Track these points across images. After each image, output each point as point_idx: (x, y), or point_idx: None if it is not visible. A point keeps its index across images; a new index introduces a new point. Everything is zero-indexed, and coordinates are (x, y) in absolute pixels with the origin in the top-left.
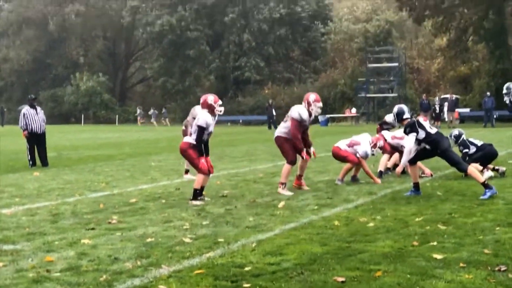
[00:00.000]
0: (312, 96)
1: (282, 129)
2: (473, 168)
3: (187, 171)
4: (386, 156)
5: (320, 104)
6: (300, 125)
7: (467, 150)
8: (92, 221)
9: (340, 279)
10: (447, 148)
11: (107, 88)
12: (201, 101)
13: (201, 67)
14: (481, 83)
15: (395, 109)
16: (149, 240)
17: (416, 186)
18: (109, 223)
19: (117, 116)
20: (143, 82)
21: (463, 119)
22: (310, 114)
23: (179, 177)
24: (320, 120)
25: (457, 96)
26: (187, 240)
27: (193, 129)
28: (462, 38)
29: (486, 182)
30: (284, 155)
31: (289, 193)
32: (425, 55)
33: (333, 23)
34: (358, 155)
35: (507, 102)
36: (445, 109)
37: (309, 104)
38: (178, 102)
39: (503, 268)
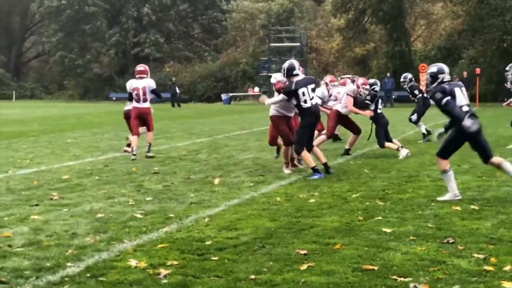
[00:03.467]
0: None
1: (276, 107)
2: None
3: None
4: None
5: (367, 87)
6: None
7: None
8: (33, 197)
9: (302, 251)
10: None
11: (1, 63)
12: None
13: (100, 42)
14: (379, 64)
15: (286, 64)
16: (99, 215)
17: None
18: (51, 199)
19: (13, 92)
20: (40, 58)
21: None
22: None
23: (102, 154)
24: (223, 98)
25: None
26: (138, 215)
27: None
28: (360, 19)
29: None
30: (281, 136)
31: (288, 171)
32: (323, 35)
33: (235, 1)
34: None
35: (406, 89)
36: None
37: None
38: (77, 79)
39: (450, 240)
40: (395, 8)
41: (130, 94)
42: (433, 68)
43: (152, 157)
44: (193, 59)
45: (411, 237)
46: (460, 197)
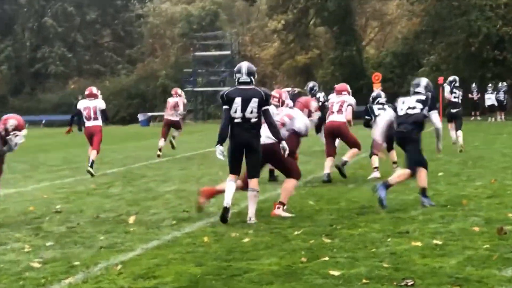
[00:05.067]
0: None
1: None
2: None
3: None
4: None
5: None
6: None
7: None
8: None
9: None
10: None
11: None
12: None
13: None
14: (324, 73)
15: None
16: None
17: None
18: None
19: None
20: None
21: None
22: None
23: None
24: (140, 119)
25: (299, 90)
26: (35, 265)
27: None
28: (302, 20)
29: None
30: (289, 167)
31: (289, 214)
32: (258, 41)
33: (152, 3)
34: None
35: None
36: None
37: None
38: None
39: (409, 282)
40: (342, 8)
41: (78, 113)
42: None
43: (92, 174)
44: (103, 73)
45: (364, 280)
46: None
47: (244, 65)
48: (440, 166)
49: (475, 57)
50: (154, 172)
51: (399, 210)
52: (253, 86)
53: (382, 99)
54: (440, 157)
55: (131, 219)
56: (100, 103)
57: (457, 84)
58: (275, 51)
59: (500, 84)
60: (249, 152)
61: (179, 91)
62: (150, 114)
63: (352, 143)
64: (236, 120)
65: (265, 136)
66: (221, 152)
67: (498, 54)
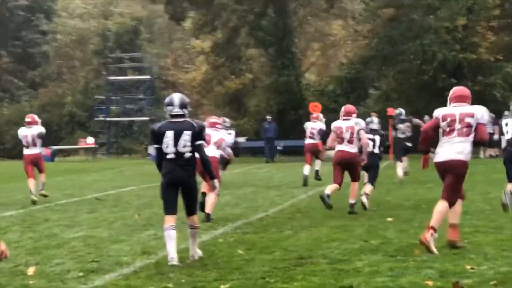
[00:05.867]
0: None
1: None
2: None
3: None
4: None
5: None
6: None
7: None
8: None
9: None
10: None
11: None
12: None
13: None
14: (258, 101)
15: None
16: None
17: None
18: None
19: None
20: None
21: (236, 152)
22: None
23: None
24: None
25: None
26: None
27: None
28: (233, 41)
29: None
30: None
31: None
32: (182, 63)
33: (59, 17)
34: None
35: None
36: None
37: None
38: None
39: None
40: (279, 27)
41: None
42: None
43: (46, 196)
44: (1, 98)
45: None
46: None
47: (176, 97)
48: (389, 211)
49: (429, 86)
50: (59, 215)
51: (342, 260)
52: (186, 119)
53: (375, 125)
54: (389, 200)
55: (31, 271)
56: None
57: (403, 117)
58: (202, 76)
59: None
60: (185, 190)
61: (36, 117)
62: (54, 147)
63: (357, 176)
64: (168, 156)
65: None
66: None
67: (456, 83)
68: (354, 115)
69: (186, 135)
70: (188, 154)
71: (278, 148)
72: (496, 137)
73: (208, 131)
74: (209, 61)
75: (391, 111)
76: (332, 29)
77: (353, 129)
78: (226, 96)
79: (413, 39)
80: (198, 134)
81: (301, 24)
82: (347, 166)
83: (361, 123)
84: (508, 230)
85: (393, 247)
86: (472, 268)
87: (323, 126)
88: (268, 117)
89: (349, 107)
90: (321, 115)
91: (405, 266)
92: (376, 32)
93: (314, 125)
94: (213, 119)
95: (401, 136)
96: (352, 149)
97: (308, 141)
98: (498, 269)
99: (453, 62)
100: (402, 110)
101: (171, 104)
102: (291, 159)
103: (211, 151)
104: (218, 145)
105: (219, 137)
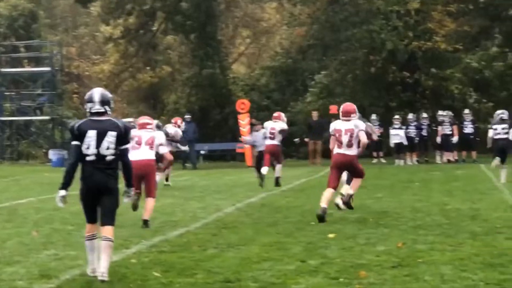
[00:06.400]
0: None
1: None
2: None
3: None
4: None
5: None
6: None
7: None
8: None
9: None
10: None
11: None
12: None
13: None
14: (177, 98)
15: None
16: None
17: None
18: None
19: None
20: None
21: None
22: None
23: None
24: None
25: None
26: None
27: None
28: (147, 26)
29: None
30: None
31: None
32: (89, 53)
33: None
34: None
35: None
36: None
37: None
38: None
39: None
40: (202, 10)
41: None
42: None
43: None
44: None
45: None
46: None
47: (97, 92)
48: (331, 225)
49: (378, 79)
50: None
51: (275, 284)
52: (109, 117)
53: None
54: (330, 213)
55: None
56: None
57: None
58: (111, 67)
59: (410, 116)
60: (104, 196)
61: None
62: None
63: (358, 173)
64: (88, 158)
65: None
66: (62, 198)
67: (408, 76)
68: (354, 115)
69: (111, 137)
70: (110, 157)
71: (202, 152)
72: (455, 139)
73: (138, 132)
74: (119, 49)
75: (334, 109)
76: (265, 13)
77: (353, 132)
78: (139, 91)
79: (359, 25)
80: (124, 137)
81: (228, 7)
82: (346, 168)
83: (361, 125)
84: (468, 247)
85: (335, 268)
86: None
87: (285, 126)
88: (187, 116)
89: (348, 106)
90: (283, 115)
91: None
92: (316, 17)
93: (274, 125)
94: (144, 119)
95: None
96: (351, 152)
97: (268, 141)
98: None
99: (404, 52)
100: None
101: (91, 100)
102: (217, 165)
103: (145, 153)
104: (151, 145)
105: (150, 135)
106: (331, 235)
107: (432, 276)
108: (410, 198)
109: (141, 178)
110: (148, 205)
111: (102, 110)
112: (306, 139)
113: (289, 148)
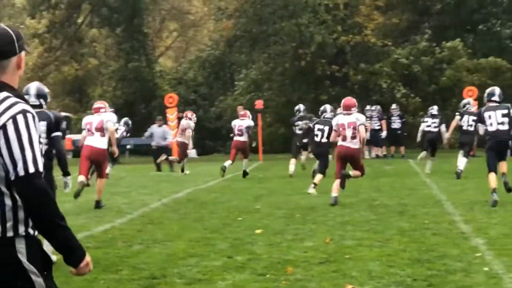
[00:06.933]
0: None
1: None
2: None
3: None
4: None
5: None
6: None
7: None
8: None
9: None
10: None
11: None
12: None
13: None
14: (103, 91)
15: None
16: None
17: None
18: None
19: None
20: None
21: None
22: None
23: None
24: None
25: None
26: None
27: None
28: (72, 19)
29: None
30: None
31: None
32: None
33: None
34: None
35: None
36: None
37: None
38: None
39: None
40: (128, 3)
41: None
42: None
43: None
44: None
45: None
46: None
47: (33, 86)
48: (258, 221)
49: (307, 73)
50: None
51: (202, 280)
52: (43, 110)
53: (329, 114)
54: (258, 208)
55: None
56: None
57: (301, 114)
58: (35, 60)
59: (338, 111)
60: None
61: None
62: None
63: (358, 168)
64: None
65: None
66: None
67: (337, 70)
68: (354, 108)
69: (41, 126)
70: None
71: (128, 147)
72: (384, 134)
73: (91, 118)
74: (43, 42)
75: (259, 104)
76: (192, 6)
77: (355, 125)
78: (65, 84)
79: (288, 18)
80: (55, 126)
81: (155, 0)
82: (350, 160)
83: (362, 118)
84: (396, 243)
85: (262, 264)
86: None
87: (251, 123)
88: (111, 110)
89: (349, 100)
90: (248, 112)
91: (276, 286)
92: (244, 10)
93: (241, 123)
94: (97, 104)
95: (299, 132)
96: (355, 145)
97: (237, 138)
98: None
99: (333, 46)
100: (302, 106)
101: (26, 93)
102: (143, 160)
103: (97, 141)
104: (101, 131)
105: (99, 120)
106: (258, 231)
107: (359, 272)
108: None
109: (92, 163)
110: (99, 186)
111: (37, 103)
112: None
113: (216, 143)
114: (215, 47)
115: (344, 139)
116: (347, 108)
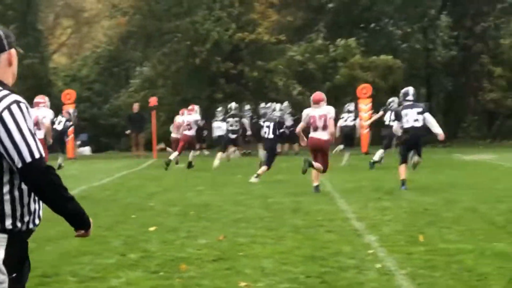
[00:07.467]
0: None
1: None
2: None
3: None
4: None
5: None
6: None
7: None
8: None
9: None
10: None
11: None
12: None
13: None
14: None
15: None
16: None
17: None
18: None
19: None
20: None
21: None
22: None
23: None
24: None
25: None
26: None
27: None
28: None
29: None
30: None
31: None
32: None
33: None
34: None
35: None
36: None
37: None
38: None
39: None
40: (23, 0)
41: None
42: None
43: None
44: None
45: None
46: None
47: None
48: (152, 218)
49: (202, 70)
50: None
51: (95, 278)
52: None
53: (278, 112)
54: (152, 206)
55: None
56: None
57: (233, 112)
58: None
59: (247, 107)
60: None
61: None
62: None
63: (324, 163)
64: None
65: None
66: None
67: (232, 67)
68: (323, 102)
69: None
70: None
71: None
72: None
73: (34, 112)
74: None
75: (154, 101)
76: (86, 3)
77: (326, 117)
78: None
79: (183, 15)
80: None
81: None
82: (319, 151)
83: (332, 111)
84: (290, 241)
85: (155, 262)
86: (247, 286)
87: (198, 117)
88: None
89: (318, 95)
90: (196, 107)
91: (169, 284)
92: (138, 7)
93: (189, 118)
94: (38, 99)
95: (230, 128)
96: (325, 136)
97: (186, 132)
98: (276, 286)
99: (229, 43)
100: (234, 104)
101: None
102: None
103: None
104: (37, 125)
105: (35, 115)
106: (151, 229)
107: (252, 269)
108: (232, 191)
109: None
110: None
111: None
112: (127, 132)
113: (111, 140)
114: (110, 43)
115: (315, 129)
116: (317, 101)
